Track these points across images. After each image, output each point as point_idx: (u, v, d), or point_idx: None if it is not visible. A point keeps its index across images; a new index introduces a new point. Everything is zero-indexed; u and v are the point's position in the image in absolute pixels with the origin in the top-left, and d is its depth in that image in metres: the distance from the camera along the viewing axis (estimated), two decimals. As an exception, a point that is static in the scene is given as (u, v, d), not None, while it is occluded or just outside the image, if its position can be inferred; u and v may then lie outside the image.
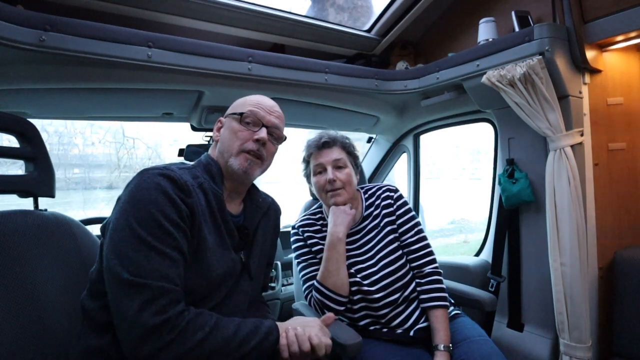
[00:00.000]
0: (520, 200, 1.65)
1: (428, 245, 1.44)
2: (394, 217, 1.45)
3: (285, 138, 1.16)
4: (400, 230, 1.44)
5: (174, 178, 0.89)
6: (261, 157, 1.07)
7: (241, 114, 1.06)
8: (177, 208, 0.87)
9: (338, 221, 1.38)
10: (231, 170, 1.04)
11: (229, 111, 1.12)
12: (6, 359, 0.88)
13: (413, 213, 1.48)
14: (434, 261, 1.42)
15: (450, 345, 1.26)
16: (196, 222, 0.92)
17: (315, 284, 1.36)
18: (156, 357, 0.77)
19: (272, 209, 1.24)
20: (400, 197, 1.50)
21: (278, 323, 0.94)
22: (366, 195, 1.53)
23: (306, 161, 1.49)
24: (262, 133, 1.06)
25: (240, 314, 1.04)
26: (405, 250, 1.43)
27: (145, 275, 0.79)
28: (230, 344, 0.83)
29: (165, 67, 1.43)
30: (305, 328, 0.93)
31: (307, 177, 1.51)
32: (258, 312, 1.21)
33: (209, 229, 0.97)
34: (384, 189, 1.53)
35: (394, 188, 1.53)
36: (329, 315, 1.04)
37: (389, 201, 1.48)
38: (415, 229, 1.44)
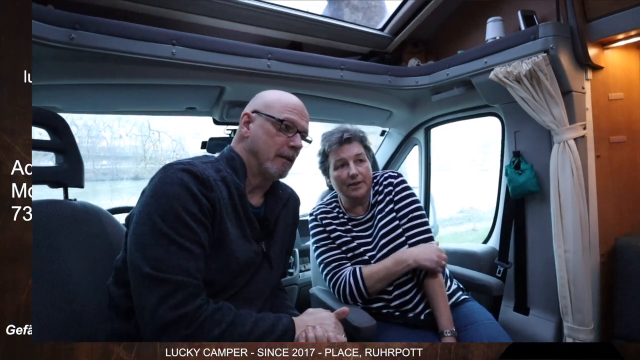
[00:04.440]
0: (526, 190, 1.69)
1: (425, 223, 1.46)
2: (393, 203, 1.48)
3: (311, 141, 1.18)
4: (399, 215, 1.46)
5: (197, 173, 0.91)
6: (293, 160, 1.11)
7: (280, 120, 1.05)
8: (198, 203, 0.88)
9: (428, 250, 1.36)
10: (266, 172, 1.06)
11: (263, 110, 1.08)
12: (43, 336, 0.94)
13: (410, 192, 1.49)
14: (425, 224, 1.46)
15: (454, 329, 1.31)
16: (218, 216, 0.93)
17: (357, 271, 1.39)
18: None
19: (291, 200, 1.24)
20: (402, 182, 1.51)
21: (294, 318, 0.97)
22: (372, 184, 1.54)
23: (324, 155, 1.50)
24: (299, 141, 1.08)
25: (260, 300, 1.09)
26: (404, 227, 1.45)
27: (165, 269, 0.81)
28: (246, 341, 0.85)
29: (189, 63, 1.46)
30: (322, 326, 0.96)
31: (325, 170, 1.53)
32: (277, 299, 1.24)
33: (232, 221, 0.98)
34: (385, 175, 1.54)
35: (395, 174, 1.54)
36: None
37: (390, 188, 1.50)
38: (410, 207, 1.46)
